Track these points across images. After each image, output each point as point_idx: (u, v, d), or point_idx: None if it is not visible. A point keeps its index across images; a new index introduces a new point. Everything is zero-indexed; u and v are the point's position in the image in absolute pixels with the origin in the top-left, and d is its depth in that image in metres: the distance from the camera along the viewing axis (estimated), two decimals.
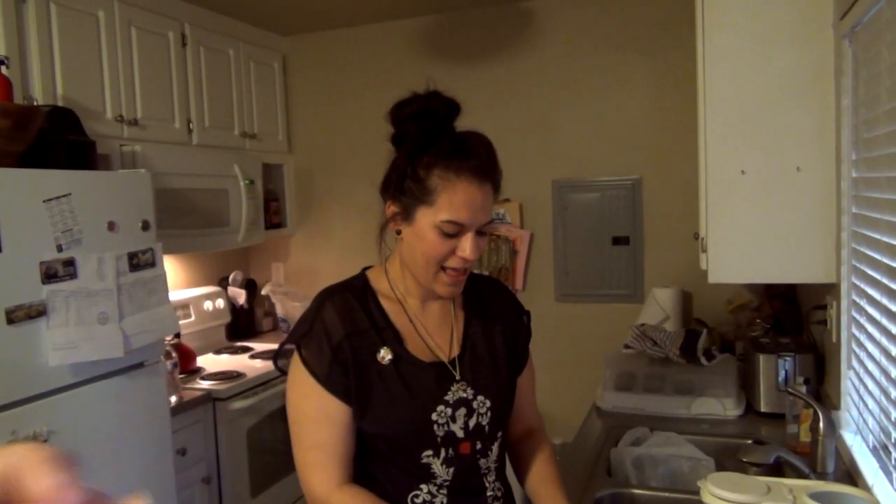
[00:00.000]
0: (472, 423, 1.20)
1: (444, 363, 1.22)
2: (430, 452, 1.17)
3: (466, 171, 1.12)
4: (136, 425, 2.13)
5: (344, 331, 1.16)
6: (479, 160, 1.13)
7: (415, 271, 1.20)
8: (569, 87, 3.15)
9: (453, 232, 1.13)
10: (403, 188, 1.15)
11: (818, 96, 1.83)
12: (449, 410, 1.18)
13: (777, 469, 1.61)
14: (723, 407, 2.11)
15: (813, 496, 1.08)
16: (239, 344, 3.38)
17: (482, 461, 1.22)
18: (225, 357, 3.15)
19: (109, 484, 2.04)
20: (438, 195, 1.12)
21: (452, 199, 1.11)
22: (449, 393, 1.19)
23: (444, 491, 1.18)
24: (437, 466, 1.17)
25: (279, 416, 2.92)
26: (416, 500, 1.18)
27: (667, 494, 1.64)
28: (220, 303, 3.39)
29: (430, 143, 1.14)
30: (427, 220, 1.13)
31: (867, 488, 1.45)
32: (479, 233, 1.16)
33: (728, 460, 1.80)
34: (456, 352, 1.24)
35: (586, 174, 3.15)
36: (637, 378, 2.28)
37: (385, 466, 1.19)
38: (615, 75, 3.08)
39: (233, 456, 2.66)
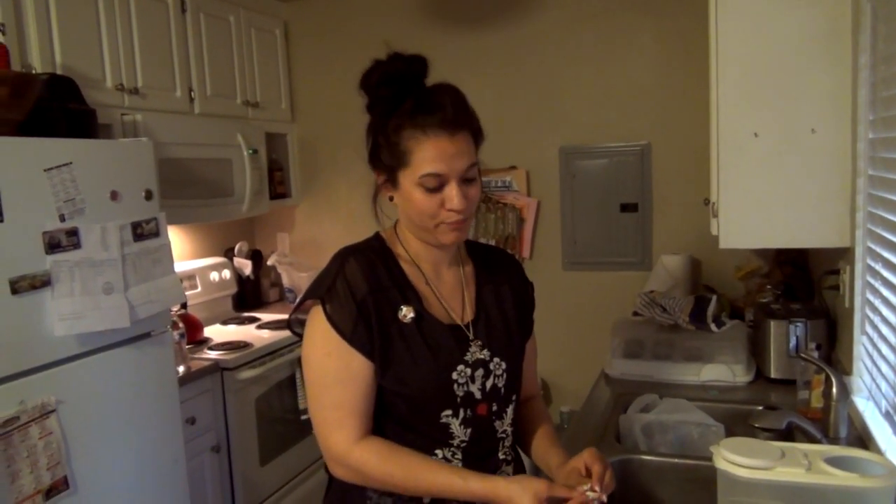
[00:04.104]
0: (489, 384, 1.22)
1: (461, 326, 1.24)
2: (449, 412, 1.18)
3: (433, 126, 1.13)
4: (144, 395, 2.14)
5: (367, 287, 1.17)
6: (444, 112, 1.14)
7: (415, 231, 1.22)
8: (575, 51, 3.09)
9: (435, 185, 1.14)
10: (381, 156, 1.18)
11: (834, 55, 1.77)
12: (468, 371, 1.20)
13: (789, 435, 1.60)
14: (732, 373, 2.10)
15: (829, 461, 1.07)
16: (246, 314, 3.37)
17: (497, 423, 1.24)
18: (232, 327, 3.14)
19: (120, 453, 2.07)
20: (412, 155, 1.14)
21: (424, 155, 1.13)
22: (468, 354, 1.21)
23: (460, 455, 1.19)
24: (456, 427, 1.19)
25: (287, 386, 2.93)
26: None
27: (676, 460, 1.63)
28: (227, 273, 3.38)
29: (396, 106, 1.15)
30: (408, 180, 1.15)
31: (880, 453, 1.43)
32: (468, 180, 1.16)
33: (738, 426, 1.79)
34: (469, 316, 1.26)
35: (594, 140, 3.10)
36: (646, 345, 2.26)
37: (401, 431, 1.20)
38: (622, 38, 3.01)
39: (241, 425, 2.67)
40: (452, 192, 1.14)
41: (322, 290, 1.18)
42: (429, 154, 1.12)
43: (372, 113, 1.19)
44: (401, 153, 1.14)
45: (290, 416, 2.93)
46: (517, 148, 3.15)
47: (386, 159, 1.17)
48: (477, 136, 1.19)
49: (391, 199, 1.21)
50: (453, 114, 1.14)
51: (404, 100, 1.15)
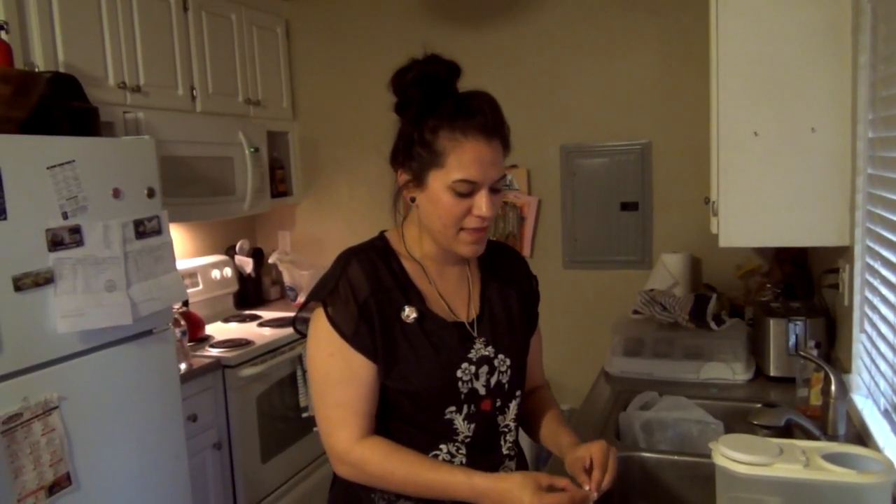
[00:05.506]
0: (493, 380, 1.23)
1: (464, 323, 1.25)
2: (453, 409, 1.20)
3: (473, 130, 1.13)
4: (146, 392, 2.15)
5: (369, 288, 1.18)
6: (484, 118, 1.14)
7: (434, 235, 1.21)
8: (576, 50, 3.09)
9: (466, 191, 1.14)
10: (412, 154, 1.16)
11: (834, 54, 1.78)
12: (472, 368, 1.21)
13: (787, 432, 1.61)
14: (732, 371, 2.11)
15: (826, 457, 1.08)
16: (247, 312, 3.38)
17: (500, 418, 1.25)
18: (233, 325, 3.15)
19: (122, 450, 2.07)
20: (448, 156, 1.13)
21: (462, 158, 1.12)
22: (472, 351, 1.22)
23: (464, 450, 1.21)
24: (460, 422, 1.20)
25: (288, 384, 2.94)
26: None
27: (675, 457, 1.64)
28: (228, 271, 3.39)
29: (434, 106, 1.14)
30: (439, 182, 1.14)
31: (878, 451, 1.44)
32: (494, 190, 1.17)
33: (737, 424, 1.79)
34: (474, 314, 1.27)
35: (594, 139, 3.11)
36: (646, 343, 2.27)
37: (405, 427, 1.21)
38: (624, 37, 3.01)
39: (243, 422, 2.68)
40: (482, 200, 1.14)
41: (324, 293, 1.18)
42: (466, 157, 1.12)
43: (403, 114, 1.18)
44: (436, 153, 1.13)
45: (291, 413, 2.94)
46: (518, 146, 3.05)
47: (417, 158, 1.15)
48: (507, 147, 1.19)
49: (412, 199, 1.20)
50: (492, 120, 1.15)
51: (436, 102, 1.14)
